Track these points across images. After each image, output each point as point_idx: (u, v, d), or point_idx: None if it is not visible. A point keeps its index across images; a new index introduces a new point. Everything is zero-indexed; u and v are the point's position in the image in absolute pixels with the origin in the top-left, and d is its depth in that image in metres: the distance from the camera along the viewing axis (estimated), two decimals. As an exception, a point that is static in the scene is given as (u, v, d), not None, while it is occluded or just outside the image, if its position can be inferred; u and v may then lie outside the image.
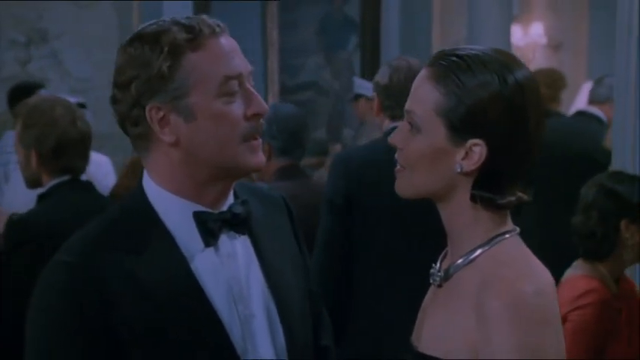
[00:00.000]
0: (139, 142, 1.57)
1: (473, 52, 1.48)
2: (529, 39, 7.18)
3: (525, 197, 1.50)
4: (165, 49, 1.49)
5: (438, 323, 1.51)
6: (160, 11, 7.01)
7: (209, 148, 1.52)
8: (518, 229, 1.52)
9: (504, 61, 1.48)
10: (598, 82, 4.77)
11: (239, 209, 1.58)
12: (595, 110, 4.66)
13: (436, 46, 7.35)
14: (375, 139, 3.35)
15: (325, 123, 8.01)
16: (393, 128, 2.95)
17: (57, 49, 7.12)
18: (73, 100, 4.20)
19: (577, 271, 2.69)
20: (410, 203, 3.35)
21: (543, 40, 7.31)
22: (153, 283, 1.48)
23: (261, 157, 1.56)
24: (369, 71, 7.53)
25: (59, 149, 2.71)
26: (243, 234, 1.59)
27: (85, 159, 2.80)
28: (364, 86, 6.03)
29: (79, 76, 7.06)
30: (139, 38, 1.53)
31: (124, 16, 7.14)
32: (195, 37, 1.51)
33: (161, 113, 1.51)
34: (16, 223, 2.74)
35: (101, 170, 4.54)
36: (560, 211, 3.07)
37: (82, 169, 2.80)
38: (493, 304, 1.38)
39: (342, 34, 8.11)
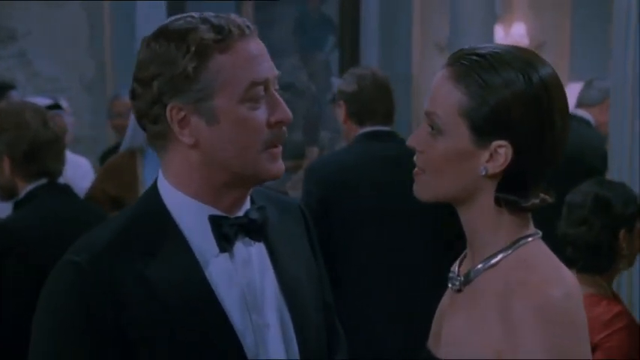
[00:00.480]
0: (156, 140, 1.53)
1: (494, 50, 1.44)
2: (511, 39, 7.15)
3: (549, 199, 1.47)
4: (192, 48, 1.45)
5: (459, 329, 1.47)
6: (133, 11, 6.92)
7: (229, 153, 1.49)
8: (540, 233, 1.48)
9: (527, 59, 1.43)
10: (588, 85, 4.71)
11: (256, 215, 1.54)
12: (584, 113, 4.60)
13: (417, 46, 7.34)
14: (346, 146, 3.51)
15: (302, 125, 7.90)
16: (364, 134, 3.31)
17: (25, 48, 6.98)
18: (48, 101, 4.10)
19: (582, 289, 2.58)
20: (392, 206, 3.42)
21: (525, 41, 7.29)
22: (165, 286, 1.45)
23: (280, 166, 1.52)
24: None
25: (32, 152, 2.65)
26: (259, 241, 1.56)
27: (60, 161, 2.75)
28: (345, 88, 6.05)
29: (48, 75, 6.95)
30: (165, 34, 1.48)
31: (94, 16, 7.00)
32: (223, 39, 1.46)
33: (182, 114, 1.47)
34: None
35: (79, 172, 4.53)
36: (552, 214, 2.97)
37: (59, 172, 2.75)
38: (521, 309, 1.35)
39: (319, 35, 8.07)
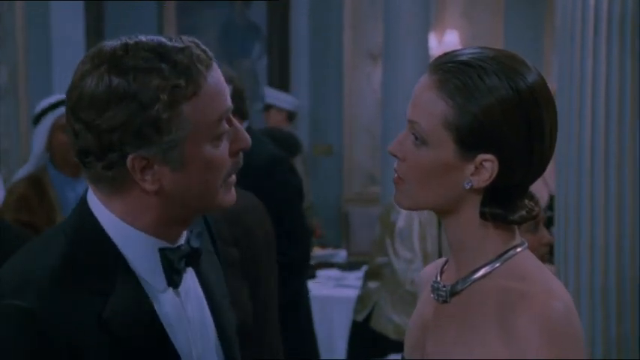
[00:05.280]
0: (106, 184, 1.40)
1: (479, 57, 1.40)
2: (444, 47, 7.15)
3: (537, 209, 1.45)
4: (165, 97, 1.33)
5: (450, 342, 1.45)
6: (47, 12, 6.68)
7: (192, 193, 1.41)
8: (526, 243, 1.48)
9: (514, 67, 1.40)
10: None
11: (197, 243, 1.48)
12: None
13: (348, 55, 7.28)
14: None
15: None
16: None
17: None
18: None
19: None
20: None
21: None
22: (122, 328, 1.36)
23: (233, 194, 1.46)
24: (277, 79, 7.39)
25: None
26: (195, 267, 1.50)
27: None
28: (276, 96, 6.19)
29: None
30: (122, 70, 1.33)
31: (6, 19, 6.68)
32: (192, 83, 1.35)
33: (144, 162, 1.36)
34: None
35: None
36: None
37: None
38: (525, 321, 1.35)
39: (246, 41, 7.96)
